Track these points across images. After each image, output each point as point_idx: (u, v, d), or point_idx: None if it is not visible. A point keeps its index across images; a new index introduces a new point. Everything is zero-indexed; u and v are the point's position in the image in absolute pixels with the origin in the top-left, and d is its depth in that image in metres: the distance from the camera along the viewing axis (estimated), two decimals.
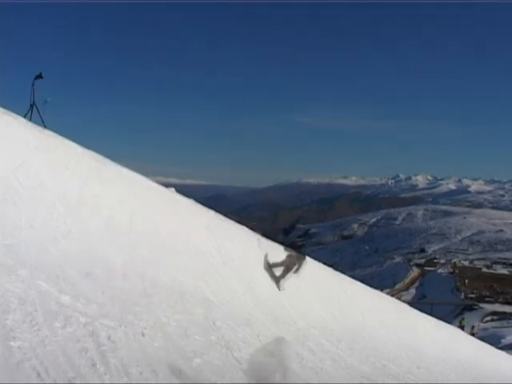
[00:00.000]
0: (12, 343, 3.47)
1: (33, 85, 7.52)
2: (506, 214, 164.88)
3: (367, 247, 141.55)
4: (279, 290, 8.12)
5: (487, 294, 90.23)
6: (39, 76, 7.59)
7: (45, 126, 6.96)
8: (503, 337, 56.34)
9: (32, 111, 7.32)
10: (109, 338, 4.24)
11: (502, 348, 19.60)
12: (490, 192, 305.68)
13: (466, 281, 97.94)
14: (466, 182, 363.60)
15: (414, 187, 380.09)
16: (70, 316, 4.22)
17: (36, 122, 6.63)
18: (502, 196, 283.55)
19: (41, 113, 7.45)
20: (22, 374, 3.24)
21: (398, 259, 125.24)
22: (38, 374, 3.32)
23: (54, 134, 6.06)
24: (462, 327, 28.35)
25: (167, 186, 8.07)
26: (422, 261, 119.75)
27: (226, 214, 8.68)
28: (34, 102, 7.41)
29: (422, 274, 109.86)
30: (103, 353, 3.97)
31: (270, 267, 8.23)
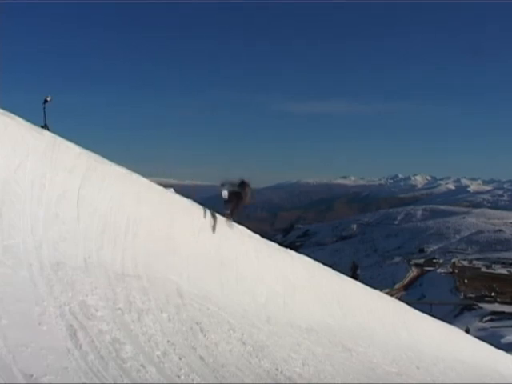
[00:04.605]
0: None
1: (43, 108, 7.83)
2: (504, 213, 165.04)
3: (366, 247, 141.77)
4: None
5: (486, 293, 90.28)
6: (46, 100, 7.91)
7: (46, 126, 6.96)
8: (502, 336, 56.49)
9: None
10: (107, 338, 4.23)
11: (501, 348, 19.59)
12: (488, 192, 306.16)
13: (466, 280, 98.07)
14: (464, 181, 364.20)
15: (412, 187, 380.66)
16: (67, 316, 4.21)
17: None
18: (501, 196, 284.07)
19: (41, 112, 7.56)
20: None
21: (397, 259, 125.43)
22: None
23: (53, 135, 6.04)
24: None
25: (166, 186, 8.05)
26: (421, 261, 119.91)
27: (224, 215, 8.65)
28: (46, 123, 7.69)
29: (422, 274, 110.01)
30: (101, 355, 3.96)
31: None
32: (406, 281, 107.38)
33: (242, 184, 7.57)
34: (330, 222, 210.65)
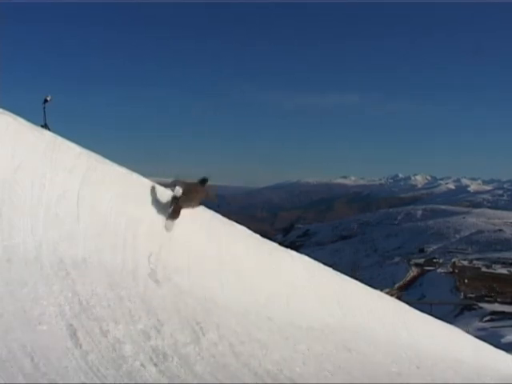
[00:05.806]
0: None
1: (44, 108, 7.87)
2: (504, 213, 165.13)
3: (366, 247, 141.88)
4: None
5: (486, 293, 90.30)
6: (46, 100, 7.93)
7: (46, 125, 6.97)
8: (502, 336, 56.56)
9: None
10: (107, 338, 4.23)
11: (501, 348, 19.57)
12: (488, 192, 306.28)
13: (466, 280, 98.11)
14: (464, 181, 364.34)
15: (413, 187, 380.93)
16: (67, 316, 4.21)
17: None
18: (501, 196, 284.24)
19: (41, 112, 7.58)
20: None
21: (397, 259, 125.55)
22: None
23: (53, 135, 6.04)
24: None
25: (166, 186, 8.04)
26: (422, 260, 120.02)
27: (224, 214, 8.65)
28: (46, 123, 7.71)
29: (422, 274, 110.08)
30: (102, 355, 3.96)
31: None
32: (406, 281, 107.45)
33: (204, 181, 6.76)
34: (329, 222, 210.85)
